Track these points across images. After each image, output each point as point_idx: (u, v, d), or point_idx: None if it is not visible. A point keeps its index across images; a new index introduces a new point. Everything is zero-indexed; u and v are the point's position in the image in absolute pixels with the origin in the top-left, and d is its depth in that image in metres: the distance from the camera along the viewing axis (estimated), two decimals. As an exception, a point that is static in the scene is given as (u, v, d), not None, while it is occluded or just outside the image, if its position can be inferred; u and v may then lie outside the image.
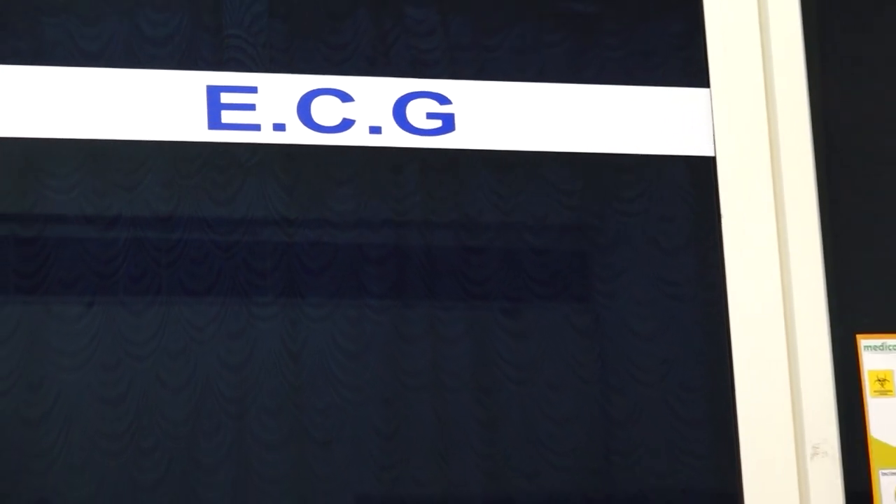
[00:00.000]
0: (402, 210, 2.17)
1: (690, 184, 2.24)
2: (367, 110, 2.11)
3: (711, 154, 2.19)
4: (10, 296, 2.01)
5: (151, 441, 1.99)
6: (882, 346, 2.20)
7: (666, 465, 2.24)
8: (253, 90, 2.07)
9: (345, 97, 2.10)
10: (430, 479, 2.17)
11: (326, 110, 2.10)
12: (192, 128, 2.05)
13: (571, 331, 2.20)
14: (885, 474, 2.17)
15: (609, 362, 2.23)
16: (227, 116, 2.05)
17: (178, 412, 2.00)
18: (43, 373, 1.97)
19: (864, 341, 2.19)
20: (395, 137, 2.10)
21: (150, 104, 2.05)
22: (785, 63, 2.26)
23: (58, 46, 2.06)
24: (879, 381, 2.20)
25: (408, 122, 2.12)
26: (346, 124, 2.09)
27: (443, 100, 2.14)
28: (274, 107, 2.07)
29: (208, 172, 2.09)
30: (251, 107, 2.07)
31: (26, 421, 1.94)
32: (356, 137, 2.09)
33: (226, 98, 2.06)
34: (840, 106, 2.37)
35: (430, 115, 2.13)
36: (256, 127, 2.06)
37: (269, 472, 2.05)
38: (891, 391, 2.21)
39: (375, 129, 2.10)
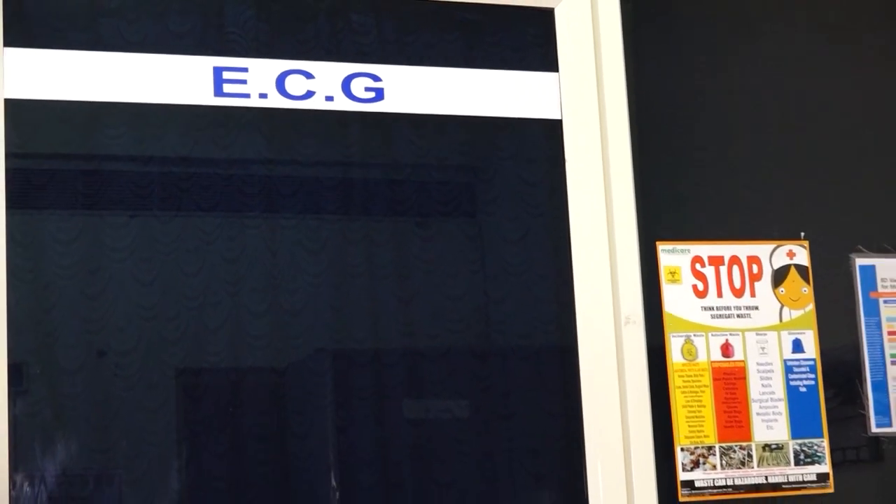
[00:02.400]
0: (347, 154, 2.46)
1: (545, 137, 2.51)
2: (324, 85, 2.38)
3: (559, 118, 2.49)
4: (78, 209, 2.27)
5: (174, 311, 2.26)
6: (673, 249, 2.50)
7: (524, 325, 2.51)
8: (245, 70, 2.34)
9: (308, 75, 2.37)
10: (366, 334, 2.43)
11: (296, 84, 2.37)
12: (203, 96, 2.31)
13: (463, 237, 2.51)
14: (674, 336, 2.48)
15: (488, 259, 2.52)
16: (227, 88, 2.33)
17: (192, 291, 2.27)
18: (98, 263, 2.23)
19: (661, 246, 2.48)
20: (343, 104, 2.38)
21: (174, 79, 2.31)
22: (610, 56, 2.54)
23: (112, 38, 2.30)
24: (671, 273, 2.49)
25: (352, 94, 2.39)
26: (309, 94, 2.37)
27: (376, 78, 2.42)
28: (259, 82, 2.35)
29: (213, 127, 2.34)
30: (244, 81, 2.34)
31: (87, 296, 2.21)
32: (316, 104, 2.37)
33: (226, 75, 2.33)
34: (648, 83, 2.61)
35: (367, 89, 2.40)
36: (247, 95, 2.33)
37: (256, 334, 2.32)
38: (679, 280, 2.50)
39: (329, 98, 2.38)
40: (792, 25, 2.79)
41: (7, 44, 2.19)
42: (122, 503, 2.21)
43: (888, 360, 2.63)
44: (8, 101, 2.16)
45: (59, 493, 2.14)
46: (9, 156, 2.15)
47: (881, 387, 2.61)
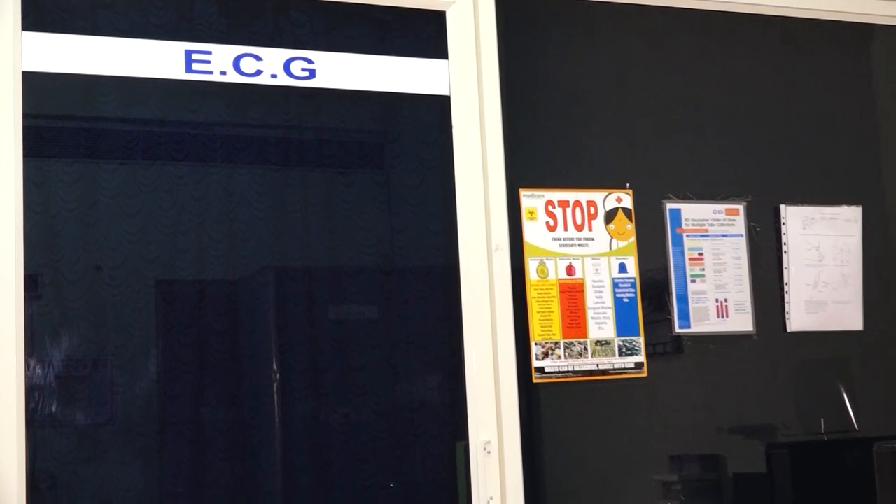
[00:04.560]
0: (287, 119, 2.54)
1: (438, 109, 2.58)
2: (270, 66, 2.45)
3: (448, 94, 2.58)
4: (79, 158, 2.32)
5: (153, 236, 2.33)
6: (531, 194, 2.61)
7: (420, 249, 2.61)
8: (209, 53, 2.40)
9: (258, 58, 2.44)
10: (300, 255, 2.49)
11: (248, 65, 2.43)
12: (176, 72, 2.37)
13: (373, 184, 2.62)
14: (531, 260, 2.58)
15: (393, 200, 2.63)
16: (195, 66, 2.39)
17: (167, 221, 2.35)
18: (95, 199, 2.30)
19: (523, 192, 2.60)
20: (284, 80, 2.46)
21: (154, 58, 2.36)
22: (487, 47, 2.62)
23: (106, 26, 2.35)
24: (530, 212, 2.60)
25: (291, 73, 2.47)
26: (258, 73, 2.44)
27: (309, 61, 2.49)
28: (220, 62, 2.41)
29: (184, 96, 2.41)
30: (208, 62, 2.39)
31: (86, 224, 2.28)
32: (264, 80, 2.45)
33: (195, 56, 2.39)
34: (515, 68, 2.67)
35: (303, 70, 2.48)
36: (211, 72, 2.40)
37: (216, 254, 2.39)
38: (536, 218, 2.59)
39: (274, 76, 2.45)
40: (623, 22, 2.88)
41: (25, 28, 2.25)
42: (112, 381, 2.28)
43: (688, 279, 2.77)
44: (25, 73, 2.23)
45: (64, 373, 2.23)
46: (26, 116, 2.21)
47: (683, 299, 2.75)
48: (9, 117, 2.20)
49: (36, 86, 2.26)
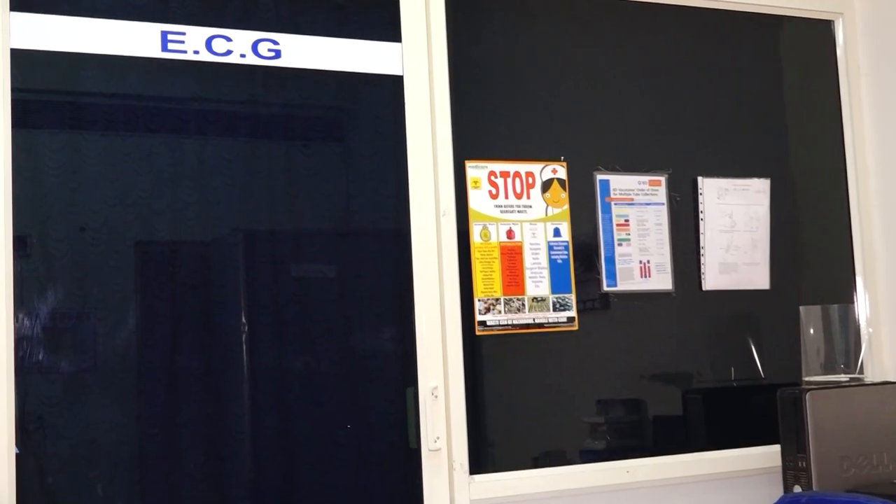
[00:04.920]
0: (254, 95, 2.54)
1: (392, 87, 2.60)
2: (239, 46, 2.46)
3: (402, 74, 2.60)
4: (64, 129, 2.33)
5: (132, 200, 2.33)
6: (476, 166, 2.65)
7: (374, 214, 2.61)
8: (183, 34, 2.41)
9: (228, 39, 2.45)
10: (266, 218, 2.48)
11: (219, 45, 2.44)
12: (153, 51, 2.39)
13: (332, 154, 2.63)
14: (475, 224, 2.62)
15: (350, 169, 2.64)
16: (170, 46, 2.40)
17: (144, 186, 2.35)
18: (78, 166, 2.30)
19: (468, 163, 2.65)
20: (252, 60, 2.47)
21: (133, 38, 2.37)
22: (437, 31, 2.63)
23: (88, 8, 2.34)
24: (474, 181, 2.65)
25: (258, 53, 2.48)
26: (228, 52, 2.45)
27: (275, 42, 2.50)
28: (194, 42, 2.41)
29: (160, 73, 2.40)
30: (182, 42, 2.40)
31: (70, 189, 2.29)
32: (233, 59, 2.46)
33: (170, 37, 2.40)
34: (463, 51, 2.70)
35: (269, 50, 2.49)
36: (184, 52, 2.40)
37: (190, 216, 2.39)
38: (480, 187, 2.64)
39: (243, 55, 2.46)
40: (559, 11, 2.90)
41: (13, 9, 2.26)
42: (95, 332, 2.30)
43: (616, 242, 2.83)
44: (13, 51, 2.25)
45: (50, 325, 2.25)
46: (14, 90, 2.23)
47: (610, 260, 2.81)
48: (-2, 90, 2.18)
49: (23, 62, 2.26)
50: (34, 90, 2.30)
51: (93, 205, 2.32)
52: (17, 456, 2.15)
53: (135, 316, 2.33)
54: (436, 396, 2.50)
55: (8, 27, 2.24)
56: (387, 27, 2.61)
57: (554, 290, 2.69)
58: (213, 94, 2.48)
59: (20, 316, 2.20)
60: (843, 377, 2.87)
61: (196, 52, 2.41)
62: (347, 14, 2.63)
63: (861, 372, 2.96)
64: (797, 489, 2.62)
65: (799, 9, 3.17)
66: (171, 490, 2.35)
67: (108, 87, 2.38)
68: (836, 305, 2.99)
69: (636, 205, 2.87)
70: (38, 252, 2.24)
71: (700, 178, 2.98)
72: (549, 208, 2.73)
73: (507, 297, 2.63)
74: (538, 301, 2.67)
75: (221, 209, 2.45)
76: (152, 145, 2.40)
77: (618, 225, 2.84)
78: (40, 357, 2.22)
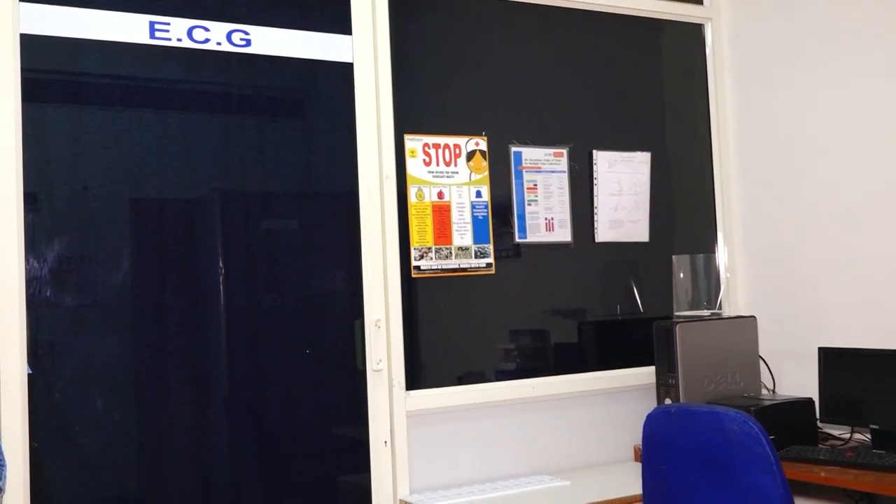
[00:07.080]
0: (227, 76, 2.53)
1: (345, 73, 2.62)
2: (216, 35, 2.46)
3: (352, 62, 2.63)
4: (67, 103, 2.32)
5: (126, 163, 2.30)
6: (413, 139, 2.68)
7: (330, 178, 2.59)
8: (168, 24, 2.42)
9: (206, 29, 2.46)
10: (239, 180, 2.45)
11: (199, 34, 2.45)
12: (142, 38, 2.39)
13: (295, 129, 2.61)
14: (412, 187, 2.61)
15: (311, 141, 2.60)
16: (157, 34, 2.40)
17: (136, 152, 2.33)
18: (79, 134, 2.31)
19: (406, 136, 2.68)
20: (227, 47, 2.49)
21: (126, 27, 2.37)
22: (381, 25, 2.63)
23: (90, 0, 2.32)
24: (411, 152, 2.68)
25: (232, 41, 2.50)
26: (207, 41, 2.46)
27: (247, 33, 2.52)
28: (177, 31, 2.42)
29: (149, 57, 2.41)
30: (168, 31, 2.41)
31: (72, 154, 2.30)
32: (211, 47, 2.46)
33: (157, 27, 2.41)
34: (405, 43, 2.69)
35: (241, 38, 2.50)
36: (169, 39, 2.41)
37: (175, 179, 2.37)
38: (416, 156, 2.67)
39: (219, 44, 2.47)
40: (481, 8, 2.88)
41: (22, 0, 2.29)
42: (95, 274, 2.30)
43: (526, 203, 2.89)
44: (23, 36, 2.26)
45: (56, 267, 2.26)
46: (23, 70, 2.25)
47: (522, 217, 2.87)
48: (9, 70, 2.23)
49: (31, 45, 2.26)
50: (41, 70, 2.29)
51: (93, 167, 2.33)
52: (30, 376, 2.18)
53: (129, 260, 2.34)
54: (379, 327, 2.55)
55: (18, 15, 2.26)
56: (340, 22, 2.63)
57: (476, 241, 2.74)
58: (193, 76, 2.48)
59: (30, 259, 2.22)
60: (705, 312, 3.03)
61: (179, 40, 2.42)
62: (308, 9, 2.64)
63: (720, 308, 3.11)
64: (668, 401, 2.73)
65: (677, 14, 3.28)
66: (159, 404, 2.37)
67: (104, 68, 2.37)
68: (701, 255, 3.12)
69: (543, 172, 2.90)
70: (46, 206, 2.25)
71: (595, 151, 3.03)
72: (473, 174, 2.78)
73: (437, 247, 2.68)
74: (463, 250, 2.72)
75: (201, 173, 2.46)
76: (143, 118, 2.40)
77: (528, 188, 2.88)
78: (48, 294, 2.23)
